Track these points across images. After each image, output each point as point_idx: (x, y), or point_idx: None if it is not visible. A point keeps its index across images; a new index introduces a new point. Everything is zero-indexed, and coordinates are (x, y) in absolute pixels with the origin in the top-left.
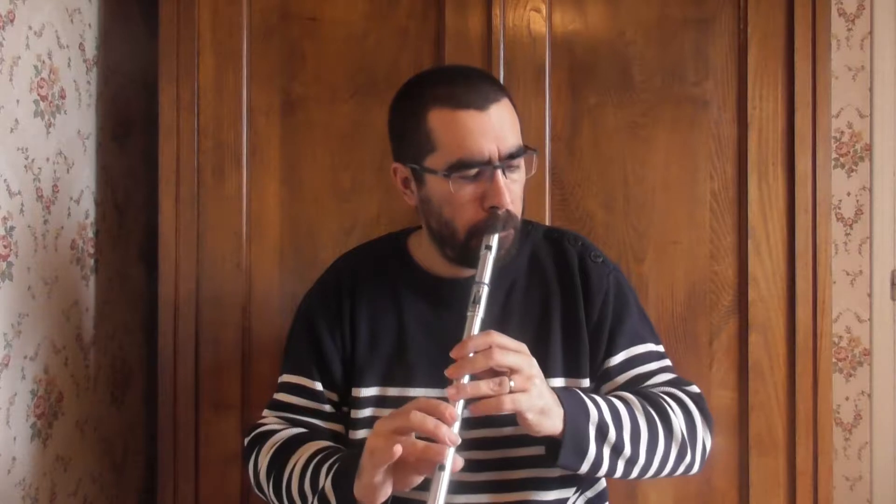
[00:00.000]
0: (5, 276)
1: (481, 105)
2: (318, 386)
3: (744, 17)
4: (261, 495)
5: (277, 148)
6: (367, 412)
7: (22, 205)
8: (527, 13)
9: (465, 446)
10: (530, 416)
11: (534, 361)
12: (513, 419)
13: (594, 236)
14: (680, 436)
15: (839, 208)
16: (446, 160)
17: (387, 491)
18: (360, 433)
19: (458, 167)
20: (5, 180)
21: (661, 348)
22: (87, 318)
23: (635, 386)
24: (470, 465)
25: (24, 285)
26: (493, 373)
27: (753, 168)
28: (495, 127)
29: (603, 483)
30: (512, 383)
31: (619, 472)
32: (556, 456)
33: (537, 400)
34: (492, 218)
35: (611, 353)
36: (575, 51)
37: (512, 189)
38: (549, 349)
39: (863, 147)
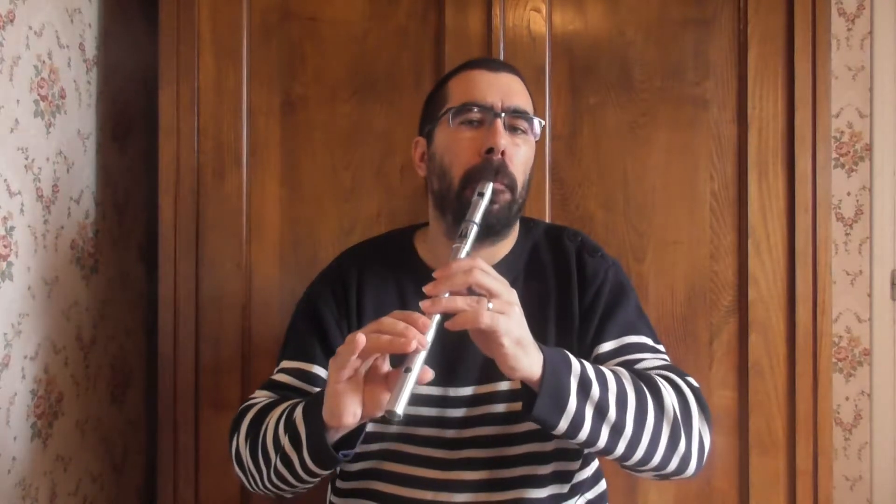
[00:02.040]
0: (5, 276)
1: (493, 68)
2: (316, 370)
3: (744, 17)
4: (240, 473)
5: (277, 148)
6: None
7: (22, 205)
8: (527, 13)
9: (461, 445)
10: (507, 343)
11: (514, 293)
12: (507, 417)
13: (594, 236)
14: (672, 413)
15: (839, 208)
16: (454, 105)
17: (355, 411)
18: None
19: (463, 108)
20: (5, 180)
21: (660, 347)
22: (87, 318)
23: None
24: (465, 464)
25: (24, 285)
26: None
27: (753, 168)
28: (503, 85)
29: (603, 485)
30: (490, 305)
31: (603, 440)
32: (532, 406)
33: (516, 327)
34: (486, 163)
35: (601, 339)
36: (575, 51)
37: (513, 152)
38: (545, 343)
39: (863, 147)
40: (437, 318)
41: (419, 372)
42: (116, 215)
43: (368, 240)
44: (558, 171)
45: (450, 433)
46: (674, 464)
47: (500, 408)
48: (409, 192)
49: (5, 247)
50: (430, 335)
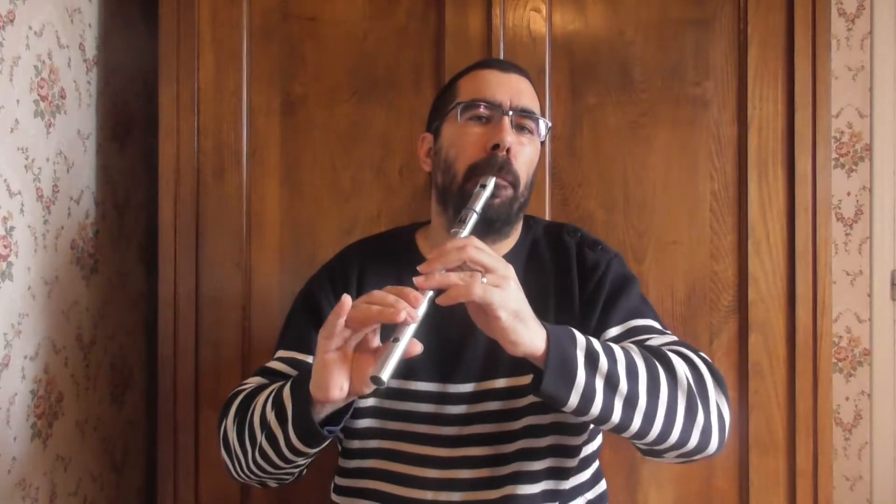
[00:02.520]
0: (5, 276)
1: (504, 69)
2: (312, 360)
3: (744, 17)
4: (225, 456)
5: (277, 148)
6: (368, 402)
7: (22, 205)
8: (527, 13)
9: (462, 443)
10: (503, 316)
11: (511, 268)
12: (503, 415)
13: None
14: (686, 384)
15: (839, 208)
16: (463, 101)
17: (342, 385)
18: (361, 422)
19: (472, 104)
20: (5, 180)
21: (668, 331)
22: (87, 318)
23: None
24: (464, 462)
25: (24, 285)
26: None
27: (753, 168)
28: (512, 85)
29: (603, 485)
30: (485, 280)
31: (617, 414)
32: (541, 382)
33: (511, 301)
34: (491, 158)
35: (605, 326)
36: (575, 51)
37: (518, 150)
38: None
39: (863, 147)
40: (430, 294)
41: (407, 344)
42: (116, 215)
43: (371, 236)
44: (558, 172)
45: (450, 430)
46: (695, 438)
47: (496, 405)
48: (408, 192)
49: (5, 247)
50: (421, 310)
